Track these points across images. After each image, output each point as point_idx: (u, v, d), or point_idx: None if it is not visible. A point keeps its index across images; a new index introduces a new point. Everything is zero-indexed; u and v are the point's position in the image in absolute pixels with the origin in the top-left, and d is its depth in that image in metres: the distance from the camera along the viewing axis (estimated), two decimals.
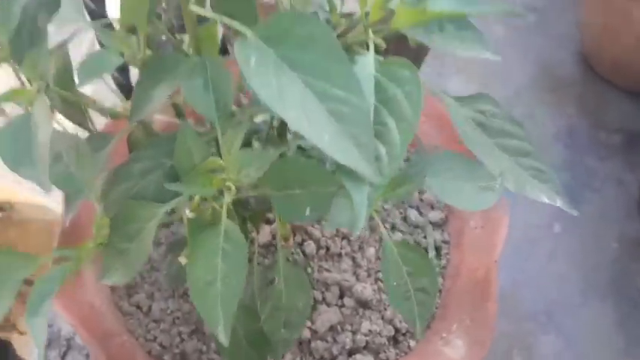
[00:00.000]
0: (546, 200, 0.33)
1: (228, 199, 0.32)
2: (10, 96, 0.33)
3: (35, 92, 0.32)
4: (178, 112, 0.43)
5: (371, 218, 0.57)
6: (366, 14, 0.32)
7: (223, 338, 0.31)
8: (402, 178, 0.32)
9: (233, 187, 0.32)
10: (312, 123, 0.27)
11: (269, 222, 0.57)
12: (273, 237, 0.56)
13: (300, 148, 0.45)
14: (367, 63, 0.30)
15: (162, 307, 0.53)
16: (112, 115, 0.40)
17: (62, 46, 0.34)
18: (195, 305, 0.32)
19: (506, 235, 0.53)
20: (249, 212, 0.41)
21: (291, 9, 0.37)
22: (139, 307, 0.54)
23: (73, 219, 0.40)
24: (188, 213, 0.35)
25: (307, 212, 0.33)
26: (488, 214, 0.55)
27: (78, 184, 0.37)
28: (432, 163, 0.35)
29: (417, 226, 0.58)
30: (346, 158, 0.27)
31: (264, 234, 0.56)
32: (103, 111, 0.39)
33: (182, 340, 0.52)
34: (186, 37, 0.43)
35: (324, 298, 0.54)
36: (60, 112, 0.38)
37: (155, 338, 0.52)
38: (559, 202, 0.32)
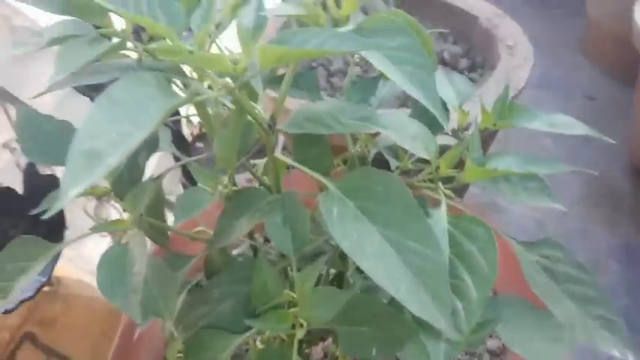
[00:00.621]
0: (617, 355, 0.33)
1: (299, 335, 0.34)
2: (108, 226, 0.36)
3: (131, 223, 0.35)
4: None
5: None
6: (437, 168, 0.34)
7: None
8: (475, 326, 0.33)
9: (305, 324, 0.34)
10: (388, 273, 0.28)
11: (323, 339, 0.58)
12: (325, 355, 0.56)
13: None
14: (441, 217, 0.31)
15: None
16: (192, 238, 0.43)
17: (157, 180, 0.38)
18: None
19: None
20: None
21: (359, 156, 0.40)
22: None
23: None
24: (258, 343, 0.36)
25: (374, 352, 0.34)
26: None
27: (153, 303, 0.39)
28: (502, 309, 0.35)
29: (473, 354, 0.58)
30: (423, 311, 0.28)
31: (316, 351, 0.57)
32: (186, 235, 0.42)
33: None
34: (260, 163, 0.47)
35: None
36: (147, 236, 0.41)
37: None
38: (631, 358, 0.32)
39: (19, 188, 0.65)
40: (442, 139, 0.38)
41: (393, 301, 0.34)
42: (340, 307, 0.33)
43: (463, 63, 0.88)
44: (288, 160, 0.35)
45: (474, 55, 0.90)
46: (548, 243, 0.37)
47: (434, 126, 0.34)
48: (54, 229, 0.62)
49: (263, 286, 0.35)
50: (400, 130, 0.33)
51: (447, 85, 0.41)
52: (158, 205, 0.39)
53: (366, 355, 0.34)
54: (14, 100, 1.70)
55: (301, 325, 0.34)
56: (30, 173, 0.65)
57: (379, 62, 0.29)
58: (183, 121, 0.76)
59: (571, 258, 0.37)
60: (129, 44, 0.31)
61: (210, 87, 0.30)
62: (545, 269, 0.36)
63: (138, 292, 0.31)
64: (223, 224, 0.37)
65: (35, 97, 0.30)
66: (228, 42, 0.34)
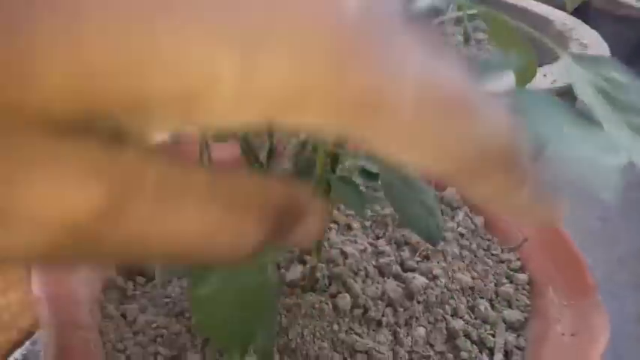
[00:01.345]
0: None
1: None
2: None
3: None
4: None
5: (427, 291, 0.46)
6: None
7: None
8: None
9: None
10: None
11: (304, 262, 0.47)
12: (302, 278, 0.45)
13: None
14: None
15: (148, 320, 0.43)
16: None
17: None
18: None
19: (605, 348, 0.39)
20: None
21: None
22: (124, 315, 0.44)
23: None
24: None
25: None
26: (583, 317, 0.42)
27: None
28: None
29: (485, 321, 0.45)
30: None
31: (294, 271, 0.46)
32: None
33: None
34: None
35: None
36: None
37: (125, 349, 0.41)
38: None
39: None
40: None
41: None
42: None
43: None
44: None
45: None
46: (606, 61, 0.27)
47: None
48: None
49: None
50: None
51: None
52: None
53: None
54: None
55: None
56: None
57: None
58: None
59: (638, 84, 0.27)
60: None
61: None
62: (601, 92, 0.27)
63: None
64: None
65: None
66: None
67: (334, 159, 0.36)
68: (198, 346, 0.41)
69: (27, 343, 0.55)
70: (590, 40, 0.74)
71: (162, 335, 0.42)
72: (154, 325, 0.42)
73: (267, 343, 0.38)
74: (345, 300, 0.44)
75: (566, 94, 0.59)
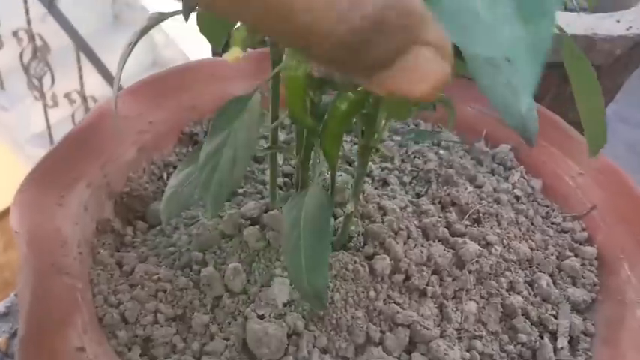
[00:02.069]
0: None
1: None
2: None
3: None
4: None
5: (480, 259, 0.38)
6: None
7: None
8: None
9: None
10: None
11: (334, 216, 0.40)
12: (333, 233, 0.38)
13: None
14: None
15: (149, 271, 0.36)
16: None
17: None
18: None
19: None
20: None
21: None
22: (119, 263, 0.37)
23: None
24: None
25: None
26: None
27: None
28: None
29: (546, 300, 0.38)
30: None
31: None
32: None
33: (155, 321, 0.33)
34: None
35: (381, 341, 0.34)
36: None
37: (119, 304, 0.34)
38: None
39: None
40: None
41: None
42: None
43: None
44: None
45: None
46: None
47: None
48: None
49: None
50: None
51: None
52: None
53: None
54: (97, 61, 1.65)
55: None
56: None
57: None
58: None
59: None
60: None
61: None
62: None
63: None
64: None
65: None
66: None
67: None
68: (208, 305, 0.34)
69: (12, 294, 0.48)
70: None
71: (165, 290, 0.35)
72: (155, 278, 0.35)
73: None
74: (384, 262, 0.37)
75: None
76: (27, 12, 1.53)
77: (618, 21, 0.51)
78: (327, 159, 0.31)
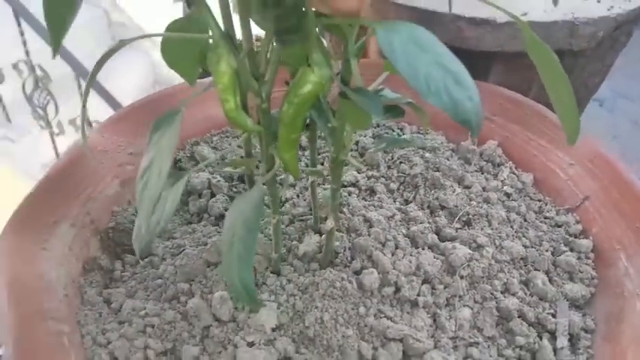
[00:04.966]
0: None
1: None
2: None
3: None
4: None
5: (471, 263, 0.38)
6: None
7: None
8: None
9: None
10: None
11: (319, 232, 0.40)
12: (319, 251, 0.38)
13: None
14: None
15: (136, 306, 0.36)
16: None
17: None
18: None
19: None
20: None
21: None
22: (108, 301, 0.37)
23: None
24: None
25: None
26: None
27: None
28: None
29: (543, 298, 0.38)
30: None
31: (308, 243, 0.38)
32: None
33: (145, 358, 0.33)
34: None
35: (374, 358, 0.33)
36: None
37: (108, 344, 0.34)
38: None
39: None
40: None
41: None
42: None
43: None
44: None
45: None
46: None
47: None
48: None
49: None
50: None
51: None
52: None
53: None
54: (98, 86, 1.66)
55: None
56: None
57: None
58: None
59: None
60: None
61: None
62: None
63: None
64: None
65: None
66: None
67: None
68: (197, 337, 0.34)
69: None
70: None
71: (153, 325, 0.35)
72: (143, 313, 0.35)
73: None
74: (372, 277, 0.36)
75: (627, 23, 0.49)
76: (24, 44, 1.54)
77: (599, 1, 0.50)
78: (285, 165, 0.30)
